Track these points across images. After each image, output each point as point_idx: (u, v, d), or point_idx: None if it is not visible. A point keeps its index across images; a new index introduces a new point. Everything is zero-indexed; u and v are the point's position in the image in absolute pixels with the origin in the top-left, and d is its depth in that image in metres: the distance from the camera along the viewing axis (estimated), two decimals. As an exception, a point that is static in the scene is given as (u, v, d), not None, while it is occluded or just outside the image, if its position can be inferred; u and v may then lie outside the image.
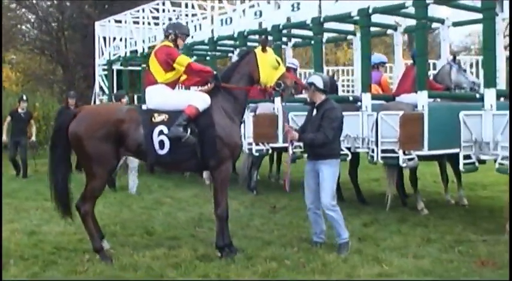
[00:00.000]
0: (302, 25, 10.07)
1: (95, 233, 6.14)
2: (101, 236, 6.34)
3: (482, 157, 7.24)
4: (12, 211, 8.53)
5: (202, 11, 13.53)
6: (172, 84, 6.41)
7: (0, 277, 5.28)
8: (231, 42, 12.11)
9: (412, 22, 9.01)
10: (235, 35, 11.34)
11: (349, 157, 8.75)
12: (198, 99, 6.17)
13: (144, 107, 6.37)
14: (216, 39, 12.04)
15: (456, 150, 7.64)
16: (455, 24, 9.49)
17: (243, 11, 11.88)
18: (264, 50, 6.46)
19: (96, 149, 5.95)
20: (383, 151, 8.08)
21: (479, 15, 7.82)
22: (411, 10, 8.27)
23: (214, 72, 6.50)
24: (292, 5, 10.25)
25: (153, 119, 6.09)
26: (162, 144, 6.02)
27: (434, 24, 9.76)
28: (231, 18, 11.78)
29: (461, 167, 7.35)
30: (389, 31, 10.40)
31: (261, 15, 11.45)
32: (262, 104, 10.13)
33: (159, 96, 6.27)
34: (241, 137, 6.76)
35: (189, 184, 11.53)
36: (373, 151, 8.24)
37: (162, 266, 5.79)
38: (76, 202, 6.15)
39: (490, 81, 7.27)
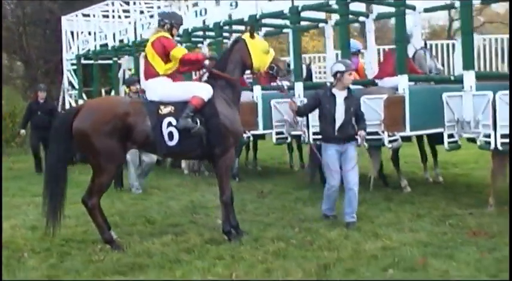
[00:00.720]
0: (279, 15, 10.31)
1: (104, 225, 6.25)
2: (108, 227, 6.45)
3: (464, 135, 7.64)
4: (3, 208, 8.52)
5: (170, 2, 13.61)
6: (173, 75, 6.52)
7: (0, 277, 5.32)
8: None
9: (383, 9, 9.49)
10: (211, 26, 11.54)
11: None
12: (202, 90, 6.32)
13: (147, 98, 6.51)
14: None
15: (436, 130, 8.09)
16: (427, 10, 9.88)
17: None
18: (252, 36, 6.62)
19: (104, 145, 5.96)
20: (367, 134, 8.42)
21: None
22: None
23: (206, 62, 6.67)
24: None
25: (159, 111, 6.20)
26: (171, 135, 6.16)
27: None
28: (203, 10, 11.89)
29: (445, 145, 7.75)
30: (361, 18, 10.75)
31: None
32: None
33: (163, 89, 6.37)
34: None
35: (169, 174, 11.70)
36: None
37: (175, 251, 5.98)
38: (82, 197, 6.21)
39: (469, 64, 7.67)
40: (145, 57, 6.61)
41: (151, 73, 6.47)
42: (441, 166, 10.71)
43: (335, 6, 9.24)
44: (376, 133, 8.26)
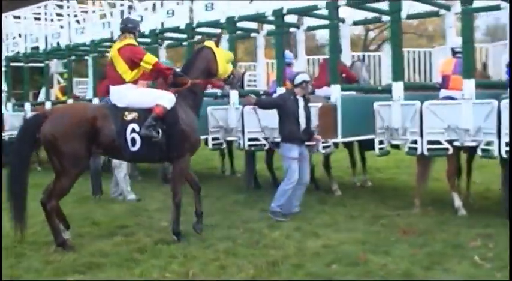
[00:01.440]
0: (215, 24, 10.64)
1: (59, 228, 6.29)
2: (67, 226, 6.58)
3: (393, 142, 8.21)
4: None
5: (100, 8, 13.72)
6: (136, 82, 6.65)
7: (0, 277, 5.37)
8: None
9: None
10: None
11: (267, 146, 9.41)
12: (165, 98, 6.51)
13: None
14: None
15: (366, 137, 8.67)
16: (356, 23, 10.51)
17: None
18: (217, 44, 7.05)
19: (71, 148, 6.08)
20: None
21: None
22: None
23: (176, 70, 6.89)
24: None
25: (124, 117, 6.39)
26: (134, 141, 6.36)
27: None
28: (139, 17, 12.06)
29: (376, 151, 8.29)
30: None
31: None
32: None
33: (129, 96, 6.53)
34: None
35: (108, 179, 11.61)
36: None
37: (127, 251, 6.18)
38: (41, 199, 6.29)
39: (398, 76, 8.27)
40: (110, 63, 6.69)
41: (116, 80, 6.59)
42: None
43: (271, 18, 9.64)
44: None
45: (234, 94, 9.75)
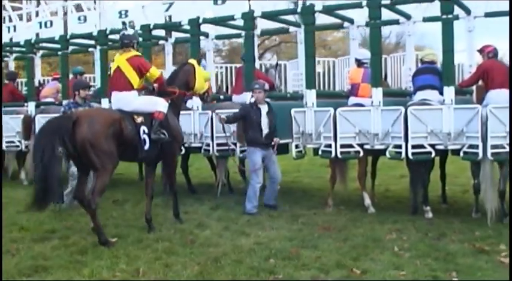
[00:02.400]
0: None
1: (101, 227, 6.76)
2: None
3: (308, 146, 8.76)
4: None
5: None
6: (140, 90, 7.54)
7: (0, 277, 5.35)
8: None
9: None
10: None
11: (183, 152, 9.66)
12: (162, 105, 7.43)
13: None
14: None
15: (284, 141, 9.20)
16: (263, 33, 11.04)
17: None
18: (199, 63, 8.18)
19: (108, 147, 6.69)
20: (218, 144, 9.27)
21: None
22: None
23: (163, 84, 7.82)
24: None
25: (135, 120, 7.15)
26: (145, 141, 7.17)
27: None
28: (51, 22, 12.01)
29: (293, 154, 8.81)
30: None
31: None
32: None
33: (136, 102, 7.34)
34: None
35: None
36: (208, 145, 9.37)
37: (69, 254, 6.27)
38: (86, 197, 6.78)
39: (310, 84, 8.86)
40: (117, 70, 7.37)
41: (124, 85, 7.31)
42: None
43: (187, 27, 9.96)
44: (226, 144, 9.11)
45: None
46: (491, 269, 5.79)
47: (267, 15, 9.83)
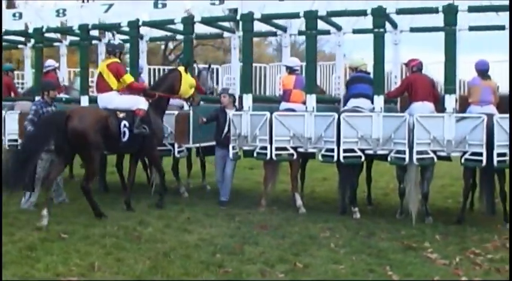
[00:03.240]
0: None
1: (97, 204, 8.12)
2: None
3: (244, 148, 9.09)
4: None
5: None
6: (121, 91, 8.71)
7: (0, 277, 5.35)
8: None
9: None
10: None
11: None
12: (142, 103, 8.61)
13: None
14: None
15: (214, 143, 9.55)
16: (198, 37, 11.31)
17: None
18: (186, 71, 9.07)
19: (96, 139, 7.91)
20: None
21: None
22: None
23: (147, 89, 9.04)
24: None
25: (118, 115, 8.34)
26: (124, 134, 8.35)
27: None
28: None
29: (231, 156, 9.11)
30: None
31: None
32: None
33: (116, 100, 8.57)
34: None
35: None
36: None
37: (17, 249, 6.30)
38: (81, 184, 8.04)
39: (247, 88, 9.22)
40: (99, 75, 8.68)
41: (105, 88, 8.58)
42: (197, 175, 12.00)
43: (126, 29, 10.20)
44: (165, 144, 9.33)
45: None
46: (420, 263, 6.33)
47: (206, 21, 10.11)
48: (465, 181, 8.48)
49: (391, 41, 9.89)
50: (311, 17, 8.81)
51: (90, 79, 11.15)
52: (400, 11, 8.73)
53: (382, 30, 8.51)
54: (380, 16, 8.48)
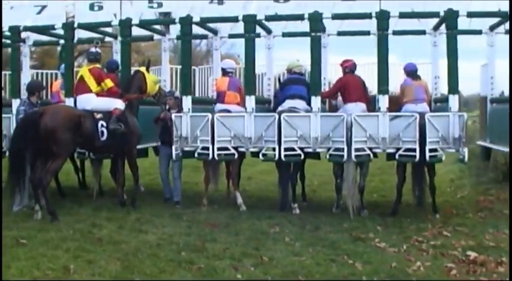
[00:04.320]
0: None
1: (49, 200, 8.24)
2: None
3: (186, 149, 9.21)
4: None
5: None
6: (100, 94, 9.16)
7: (0, 277, 5.29)
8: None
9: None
10: None
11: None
12: (119, 104, 9.11)
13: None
14: None
15: (152, 144, 9.67)
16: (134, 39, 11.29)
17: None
18: (147, 70, 9.71)
19: (66, 137, 8.28)
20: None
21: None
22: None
23: (120, 92, 9.37)
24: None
25: (94, 116, 8.79)
26: (102, 133, 8.79)
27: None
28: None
29: (174, 157, 9.19)
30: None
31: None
32: None
33: (93, 101, 9.03)
34: None
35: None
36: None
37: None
38: (37, 177, 8.20)
39: (186, 91, 9.37)
40: (80, 78, 9.16)
41: (84, 90, 9.07)
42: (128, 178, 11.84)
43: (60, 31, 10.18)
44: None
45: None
46: (372, 252, 6.79)
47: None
48: (398, 175, 9.08)
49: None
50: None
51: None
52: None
53: (318, 34, 8.96)
54: (316, 20, 8.93)
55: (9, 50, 10.79)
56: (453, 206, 9.50)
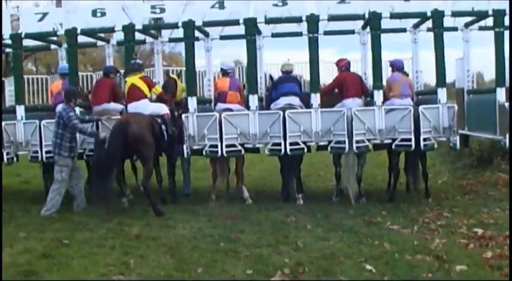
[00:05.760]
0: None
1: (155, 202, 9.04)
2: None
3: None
4: None
5: None
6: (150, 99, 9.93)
7: (0, 277, 5.43)
8: None
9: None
10: None
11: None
12: (165, 109, 9.78)
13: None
14: None
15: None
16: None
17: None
18: (179, 78, 10.70)
19: (151, 140, 9.09)
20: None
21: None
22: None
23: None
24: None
25: (157, 120, 9.47)
26: (163, 136, 9.51)
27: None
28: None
29: (185, 154, 9.64)
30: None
31: None
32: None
33: (151, 107, 9.67)
34: None
35: None
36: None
37: (38, 257, 6.55)
38: (142, 182, 9.19)
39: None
40: (132, 86, 9.60)
41: (140, 96, 9.58)
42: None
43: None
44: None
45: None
46: (390, 234, 7.50)
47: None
48: (393, 165, 9.84)
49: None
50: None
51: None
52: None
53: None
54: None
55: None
56: (440, 191, 10.32)
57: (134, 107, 9.56)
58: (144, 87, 9.64)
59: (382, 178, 11.63)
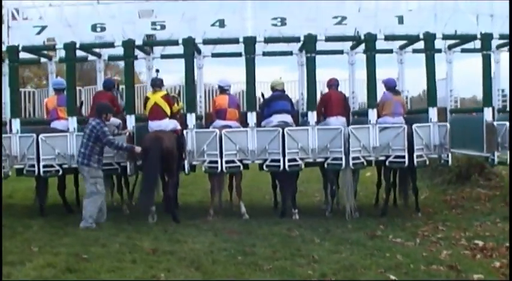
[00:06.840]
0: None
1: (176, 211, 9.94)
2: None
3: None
4: None
5: None
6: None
7: (0, 277, 5.42)
8: None
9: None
10: None
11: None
12: (178, 124, 10.22)
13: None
14: None
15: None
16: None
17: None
18: (179, 95, 11.32)
19: (178, 155, 9.77)
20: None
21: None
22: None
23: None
24: None
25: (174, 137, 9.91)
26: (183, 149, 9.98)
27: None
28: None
29: (186, 171, 9.78)
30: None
31: None
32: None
33: (171, 125, 10.09)
34: None
35: None
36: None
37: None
38: (167, 193, 9.98)
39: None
40: (155, 104, 10.05)
41: (162, 115, 10.03)
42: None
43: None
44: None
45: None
46: (396, 246, 7.82)
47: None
48: (386, 180, 10.24)
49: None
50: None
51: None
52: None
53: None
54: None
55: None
56: (426, 206, 10.76)
57: (157, 125, 9.99)
58: (166, 108, 10.09)
59: (363, 194, 12.04)
